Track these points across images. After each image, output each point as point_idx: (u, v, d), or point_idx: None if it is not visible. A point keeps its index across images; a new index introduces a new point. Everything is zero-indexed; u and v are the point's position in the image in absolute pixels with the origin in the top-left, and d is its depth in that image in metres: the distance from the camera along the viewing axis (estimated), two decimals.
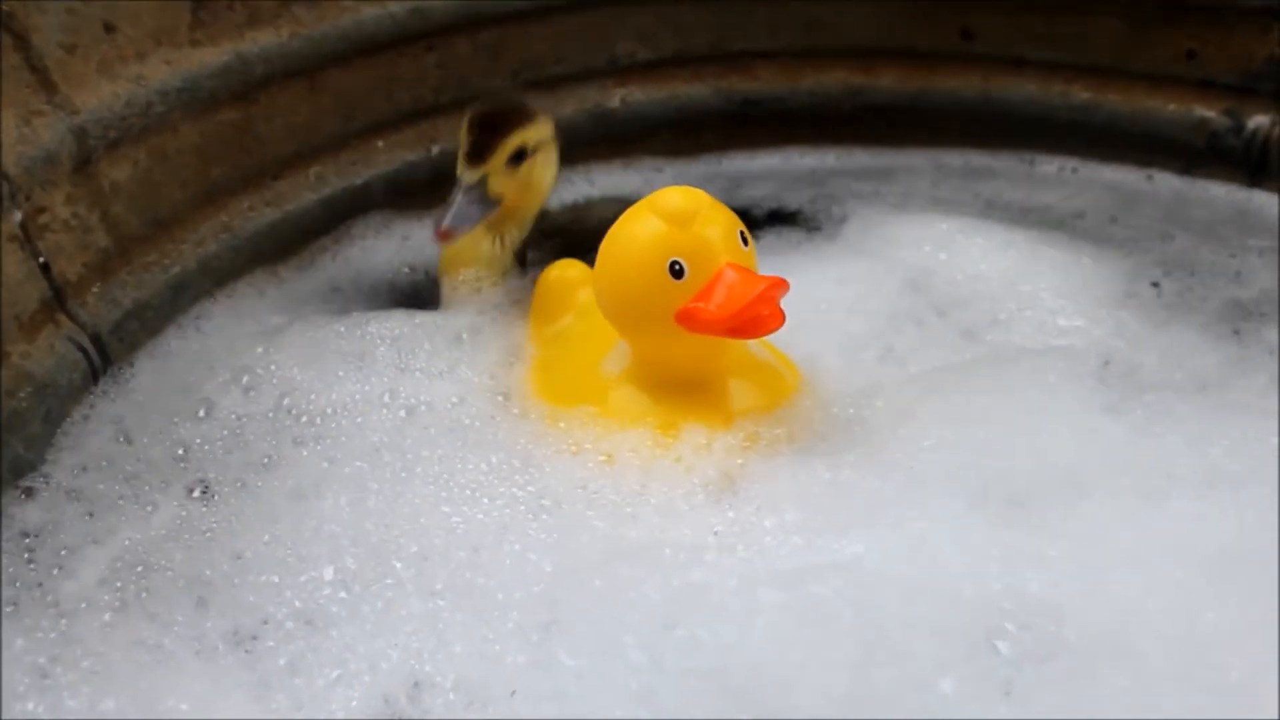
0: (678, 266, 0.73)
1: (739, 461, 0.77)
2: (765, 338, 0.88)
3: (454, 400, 0.89)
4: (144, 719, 0.65)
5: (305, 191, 1.09)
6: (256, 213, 1.06)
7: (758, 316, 0.73)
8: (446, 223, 0.90)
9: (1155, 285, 1.04)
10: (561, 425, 0.84)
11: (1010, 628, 0.65)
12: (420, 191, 1.16)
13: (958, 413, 0.80)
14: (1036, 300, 1.00)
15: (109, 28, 0.91)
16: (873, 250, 1.09)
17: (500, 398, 0.89)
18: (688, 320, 0.74)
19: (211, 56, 0.98)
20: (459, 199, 0.91)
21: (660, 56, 1.22)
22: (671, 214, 0.74)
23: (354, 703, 0.66)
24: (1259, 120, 1.18)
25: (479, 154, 0.91)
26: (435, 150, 1.16)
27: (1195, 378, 0.90)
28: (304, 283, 1.06)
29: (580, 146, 1.22)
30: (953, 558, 0.69)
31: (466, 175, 0.91)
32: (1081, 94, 1.24)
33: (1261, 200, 1.21)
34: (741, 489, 0.76)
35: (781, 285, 0.73)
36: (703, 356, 0.78)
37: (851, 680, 0.63)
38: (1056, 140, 1.26)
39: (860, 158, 1.30)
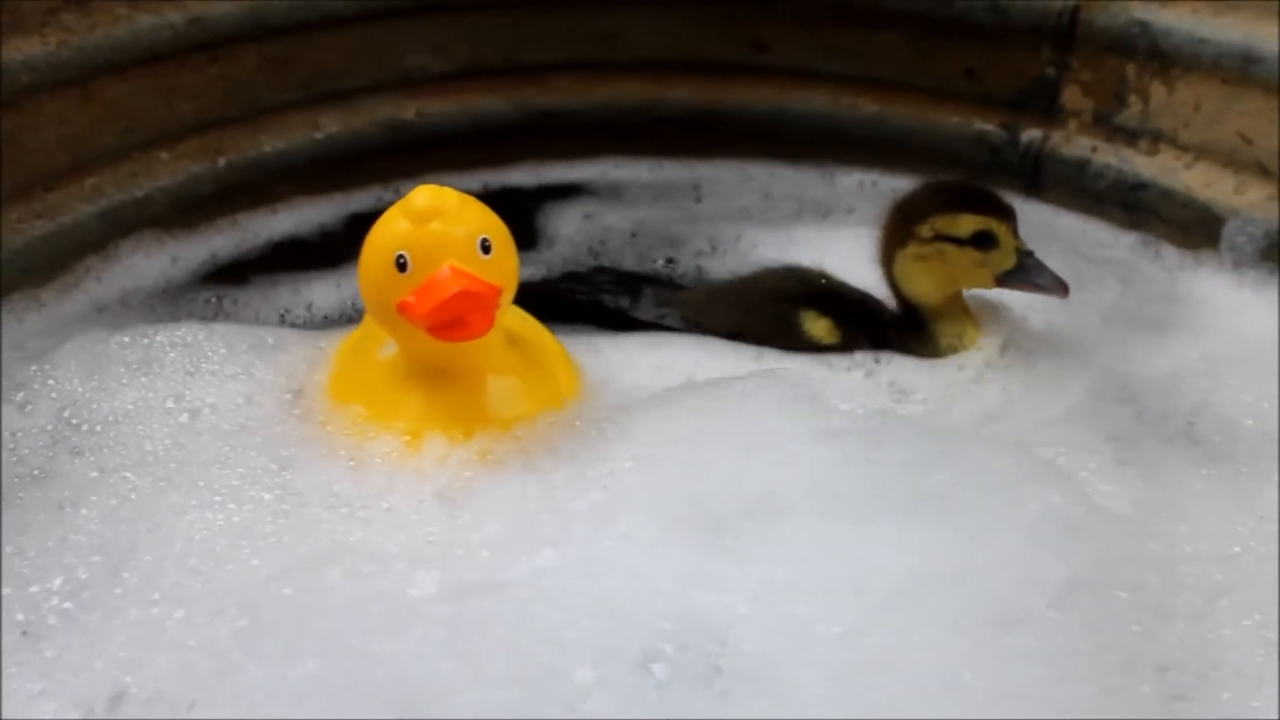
0: (402, 260, 0.77)
1: (468, 474, 0.79)
2: (557, 339, 0.92)
3: (240, 401, 0.89)
4: None
5: (80, 204, 1.07)
6: (27, 225, 1.04)
7: (459, 318, 0.75)
8: (1063, 280, 0.93)
9: None
10: (329, 427, 0.85)
11: (669, 649, 0.66)
12: (208, 204, 1.16)
13: (675, 434, 0.82)
14: None
15: None
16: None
17: (289, 396, 0.90)
18: (402, 313, 0.77)
19: None
20: (1039, 260, 0.94)
21: (454, 69, 1.23)
22: (410, 210, 0.77)
23: (49, 718, 0.66)
24: (1032, 134, 1.23)
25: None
26: (222, 162, 1.15)
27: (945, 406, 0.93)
28: (67, 305, 1.04)
29: (377, 160, 1.23)
30: (630, 578, 0.71)
31: (1024, 243, 0.94)
32: (871, 106, 1.28)
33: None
34: (463, 500, 0.77)
35: (481, 292, 0.75)
36: (444, 350, 0.80)
37: (505, 697, 0.64)
38: (850, 151, 1.29)
39: (669, 169, 1.32)
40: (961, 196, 0.94)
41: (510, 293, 0.82)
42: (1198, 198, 1.13)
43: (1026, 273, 0.93)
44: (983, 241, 0.93)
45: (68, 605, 0.74)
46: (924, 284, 0.96)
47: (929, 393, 0.91)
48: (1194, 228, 1.13)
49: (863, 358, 0.97)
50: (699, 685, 0.65)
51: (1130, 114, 1.17)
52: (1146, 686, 0.64)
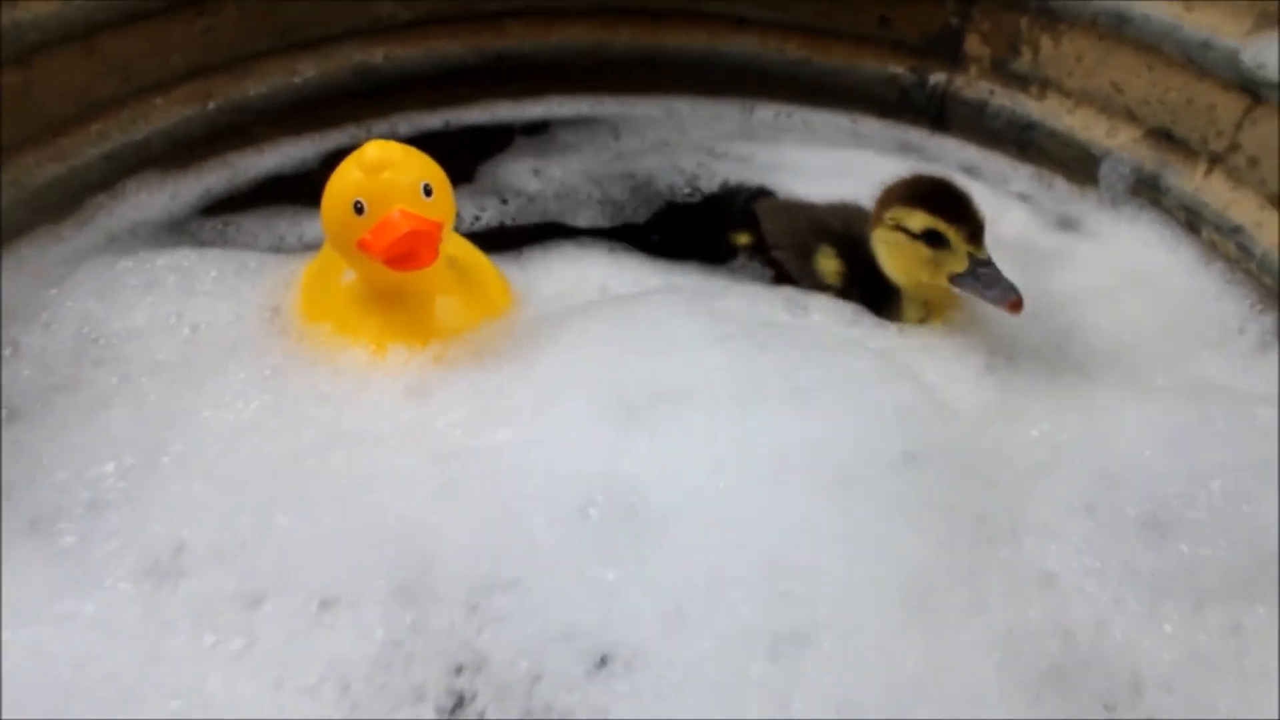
0: (359, 205, 0.91)
1: (429, 373, 0.95)
2: (492, 262, 1.08)
3: (231, 318, 1.04)
4: None
5: (87, 147, 1.20)
6: (41, 168, 1.16)
7: (410, 252, 0.90)
8: (1016, 295, 0.94)
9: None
10: (305, 342, 1.00)
11: (600, 499, 0.85)
12: (199, 144, 1.28)
13: (597, 337, 0.98)
14: None
15: None
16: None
17: (269, 314, 1.04)
18: (363, 248, 0.91)
19: None
20: (999, 272, 0.95)
21: (418, 17, 1.34)
22: (363, 162, 0.91)
23: (127, 567, 0.83)
24: (938, 77, 1.38)
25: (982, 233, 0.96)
26: (211, 106, 1.28)
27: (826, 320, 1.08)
28: (83, 237, 1.17)
29: (350, 101, 1.36)
30: (567, 448, 0.89)
31: (984, 252, 0.96)
32: (796, 51, 1.41)
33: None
34: (429, 393, 0.94)
35: (426, 230, 0.89)
36: (397, 277, 0.93)
37: (482, 536, 0.84)
38: (775, 90, 1.43)
39: (607, 105, 1.45)
40: (922, 194, 0.97)
41: (449, 225, 0.96)
42: (1078, 138, 1.28)
43: (976, 280, 0.95)
44: (934, 240, 0.96)
45: (122, 484, 0.90)
46: (889, 266, 1.01)
47: (825, 312, 1.07)
48: (1074, 165, 1.29)
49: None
50: (622, 525, 0.84)
51: (1023, 62, 1.31)
52: (962, 533, 0.83)
